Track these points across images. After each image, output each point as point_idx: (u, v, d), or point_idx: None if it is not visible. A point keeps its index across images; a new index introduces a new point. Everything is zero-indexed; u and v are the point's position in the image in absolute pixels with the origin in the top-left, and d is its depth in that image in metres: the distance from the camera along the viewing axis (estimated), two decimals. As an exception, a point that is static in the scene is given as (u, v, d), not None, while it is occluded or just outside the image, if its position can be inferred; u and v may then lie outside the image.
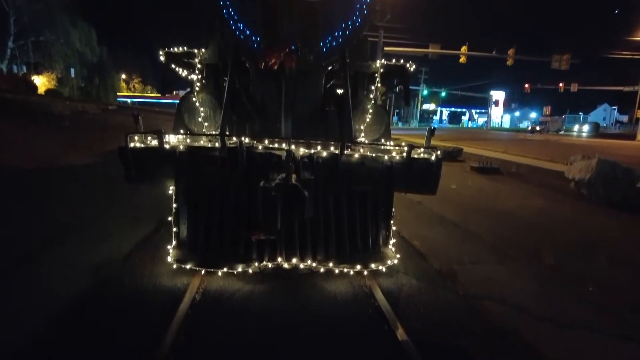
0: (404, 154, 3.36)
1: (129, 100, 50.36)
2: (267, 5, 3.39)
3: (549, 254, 4.41)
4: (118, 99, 44.82)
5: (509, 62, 27.80)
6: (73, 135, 13.19)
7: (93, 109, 20.98)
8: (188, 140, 3.61)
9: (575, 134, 50.94)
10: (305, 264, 3.25)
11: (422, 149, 3.54)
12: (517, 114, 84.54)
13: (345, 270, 3.33)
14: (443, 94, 67.50)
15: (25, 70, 35.91)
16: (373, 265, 3.35)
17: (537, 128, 57.22)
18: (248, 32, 3.58)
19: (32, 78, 33.54)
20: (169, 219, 3.46)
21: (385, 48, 21.68)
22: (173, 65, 4.70)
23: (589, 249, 4.75)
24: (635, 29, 33.78)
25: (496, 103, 70.97)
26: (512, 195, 7.92)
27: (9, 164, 8.52)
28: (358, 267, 3.31)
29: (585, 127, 53.68)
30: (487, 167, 11.05)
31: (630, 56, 36.60)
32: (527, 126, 60.22)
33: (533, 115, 77.32)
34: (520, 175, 10.54)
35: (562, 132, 54.01)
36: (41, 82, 34.67)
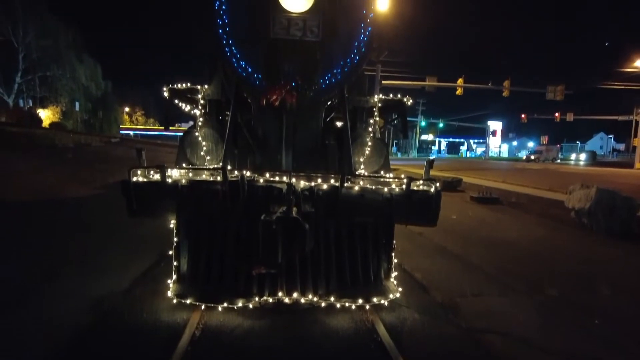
0: (404, 186, 3.40)
1: (131, 132, 51.00)
2: (269, 45, 3.53)
3: (551, 285, 4.38)
4: (121, 132, 45.41)
5: (505, 94, 28.38)
6: (75, 167, 13.30)
7: (96, 141, 21.25)
8: (190, 174, 3.66)
9: (572, 162, 51.16)
10: (307, 298, 3.23)
11: (421, 181, 3.58)
12: (514, 143, 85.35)
13: (347, 304, 3.30)
14: (441, 124, 68.45)
15: (31, 104, 36.62)
16: (375, 299, 3.32)
17: (532, 157, 57.51)
18: (250, 69, 3.71)
19: (38, 111, 34.16)
20: (170, 252, 3.47)
21: (383, 82, 22.18)
22: (176, 101, 4.82)
23: (592, 279, 4.71)
24: (625, 60, 34.68)
25: (494, 133, 71.82)
26: (513, 226, 7.91)
27: (11, 196, 8.56)
28: (360, 301, 3.29)
29: (582, 156, 53.89)
30: (487, 197, 11.07)
31: (622, 86, 37.38)
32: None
33: (531, 144, 78.00)
34: (520, 205, 10.54)
35: (558, 161, 54.11)
36: (46, 115, 35.28)
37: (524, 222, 8.37)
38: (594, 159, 52.00)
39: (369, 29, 3.79)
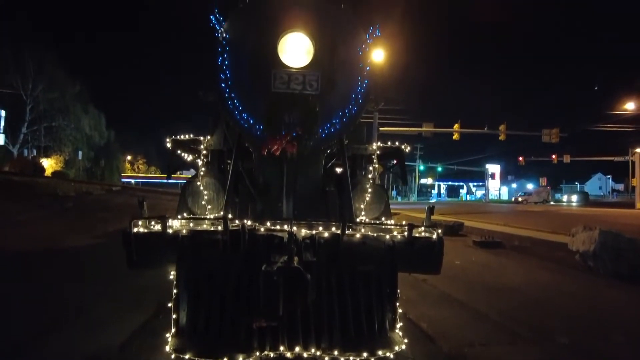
0: (405, 233, 3.39)
1: (132, 181, 51.37)
2: (270, 98, 3.67)
3: (562, 332, 4.24)
4: (122, 180, 45.79)
5: (502, 137, 28.95)
6: (76, 216, 13.30)
7: (97, 190, 21.37)
8: (191, 224, 3.66)
9: (565, 203, 50.89)
10: (309, 352, 3.12)
11: (423, 228, 3.57)
12: (514, 185, 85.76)
13: (352, 358, 3.18)
14: (439, 168, 69.17)
15: (35, 153, 37.23)
16: (380, 352, 3.20)
17: (520, 199, 57.41)
18: (252, 121, 3.82)
19: (41, 160, 34.67)
20: (169, 304, 3.39)
21: (381, 128, 22.75)
22: (179, 151, 4.92)
23: (604, 325, 4.57)
24: (616, 102, 35.70)
25: (492, 176, 72.35)
26: (518, 270, 7.78)
27: (10, 245, 8.50)
28: (364, 354, 3.17)
29: (574, 197, 53.69)
30: (490, 241, 10.98)
31: (615, 128, 38.22)
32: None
33: (530, 186, 78.35)
34: (523, 248, 10.43)
35: (552, 203, 53.76)
36: (49, 164, 35.76)
37: (528, 267, 8.23)
38: (586, 199, 51.82)
39: (366, 81, 3.95)
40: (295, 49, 3.80)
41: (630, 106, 33.29)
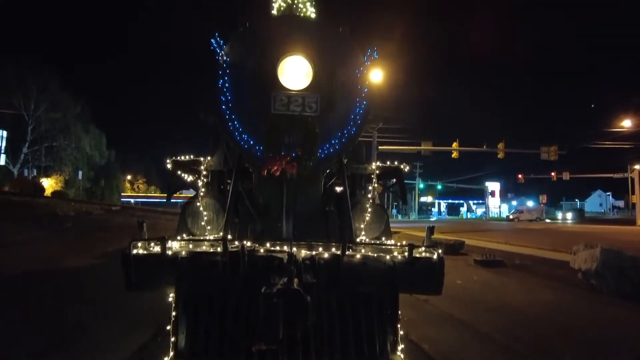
0: (406, 254, 3.38)
1: (132, 200, 51.26)
2: (270, 120, 3.72)
3: (567, 352, 4.18)
4: (122, 199, 45.71)
5: (500, 155, 29.08)
6: (75, 236, 13.23)
7: (97, 209, 21.32)
8: (190, 246, 3.65)
9: (560, 221, 50.45)
10: (310, 375, 3.07)
11: (423, 248, 3.56)
12: (514, 203, 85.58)
13: (353, 381, 3.13)
14: (439, 186, 69.20)
15: (35, 173, 37.29)
16: (381, 375, 3.15)
17: (511, 217, 57.01)
18: (252, 142, 3.87)
19: (41, 180, 34.67)
20: (168, 327, 3.35)
21: (380, 147, 22.90)
22: (179, 172, 4.95)
23: (611, 345, 4.50)
24: (613, 120, 36.00)
25: (492, 194, 72.31)
26: (520, 289, 7.70)
27: (7, 266, 8.42)
28: (366, 377, 3.12)
29: (569, 215, 53.19)
30: (491, 259, 10.90)
31: (613, 145, 38.41)
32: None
33: (530, 203, 78.25)
34: (524, 267, 10.35)
35: (547, 220, 53.14)
36: (49, 184, 35.76)
37: (530, 285, 8.16)
38: (582, 217, 51.35)
39: (364, 102, 4.01)
40: (295, 72, 3.88)
41: (626, 123, 33.58)
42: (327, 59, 3.93)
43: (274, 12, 4.91)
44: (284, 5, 4.79)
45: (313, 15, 4.85)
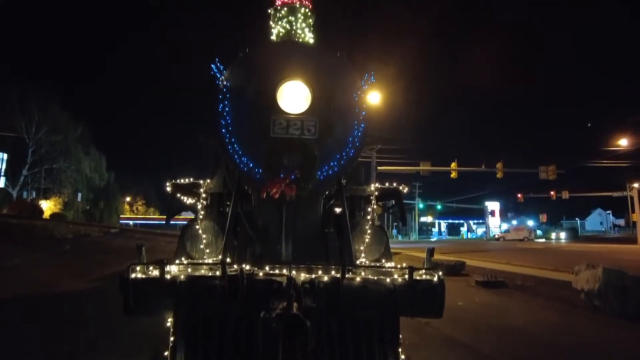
0: (406, 276, 3.36)
1: (131, 222, 51.01)
2: (269, 143, 3.76)
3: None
4: (121, 221, 45.48)
5: (499, 175, 29.16)
6: (73, 259, 13.13)
7: (95, 232, 21.23)
8: (189, 269, 3.63)
9: (553, 240, 49.86)
10: (310, 402, 3.00)
11: (423, 270, 3.54)
12: (514, 222, 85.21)
13: (354, 408, 3.06)
14: (439, 206, 69.05)
15: (34, 195, 37.19)
16: (383, 401, 3.08)
17: (497, 237, 56.45)
18: (251, 165, 3.89)
19: (40, 202, 34.57)
20: (165, 353, 3.29)
21: (379, 168, 22.97)
22: (178, 195, 4.95)
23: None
24: (610, 139, 36.27)
25: (492, 213, 72.06)
26: (523, 311, 7.60)
27: (4, 290, 8.32)
28: (367, 403, 3.05)
29: (562, 234, 52.43)
30: (492, 280, 10.80)
31: (611, 164, 38.59)
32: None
33: (530, 223, 77.93)
34: (527, 287, 10.24)
35: (538, 240, 52.30)
36: (48, 206, 35.62)
37: (533, 307, 8.06)
38: (575, 236, 50.71)
39: (362, 125, 4.07)
40: (294, 96, 3.94)
41: (623, 142, 33.83)
42: (325, 83, 4.00)
43: (273, 37, 5.03)
44: (283, 31, 4.90)
45: (311, 41, 4.97)
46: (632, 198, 46.90)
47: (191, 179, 4.72)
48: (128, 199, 56.21)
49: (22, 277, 9.83)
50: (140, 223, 50.45)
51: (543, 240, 52.21)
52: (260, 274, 3.32)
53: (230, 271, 3.29)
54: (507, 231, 58.73)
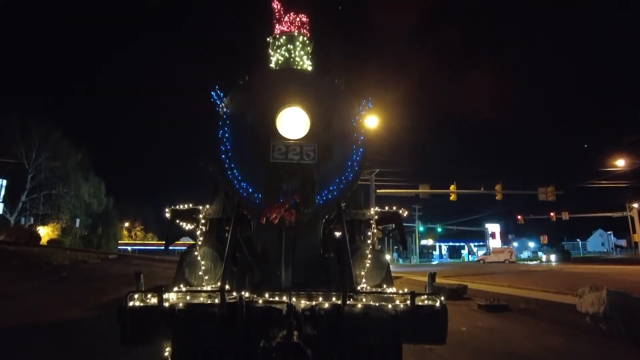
0: (408, 302, 3.31)
1: (129, 248, 50.53)
2: (269, 168, 3.78)
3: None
4: (119, 247, 45.07)
5: (498, 197, 29.17)
6: (69, 286, 12.93)
7: (93, 258, 21.01)
8: (187, 297, 3.58)
9: (544, 262, 48.84)
10: None
11: (425, 295, 3.49)
12: (515, 244, 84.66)
13: None
14: (439, 229, 68.69)
15: (32, 222, 36.95)
16: None
17: (478, 259, 57.01)
18: (251, 190, 3.90)
19: (37, 229, 34.30)
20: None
21: (378, 191, 23.00)
22: (177, 221, 4.94)
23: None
24: (608, 160, 36.47)
25: (493, 235, 71.67)
26: (528, 336, 7.45)
27: (-2, 321, 8.15)
28: None
29: (553, 256, 50.82)
30: (495, 304, 10.63)
31: (610, 184, 38.69)
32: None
33: (531, 244, 77.45)
34: (530, 311, 10.07)
35: (529, 262, 51.40)
36: (45, 232, 35.33)
37: (538, 331, 7.90)
38: (567, 258, 49.71)
39: (361, 149, 4.10)
40: (293, 122, 4.00)
41: (620, 163, 34.01)
42: (323, 109, 4.06)
43: (272, 65, 5.13)
44: (282, 59, 5.01)
45: (310, 68, 5.07)
46: (632, 218, 46.85)
47: (190, 205, 4.71)
48: (126, 224, 55.89)
49: (16, 306, 9.66)
50: (138, 249, 49.96)
51: (533, 262, 50.84)
52: (260, 301, 3.28)
53: (229, 299, 3.24)
54: (487, 254, 59.16)
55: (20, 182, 35.51)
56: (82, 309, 10.14)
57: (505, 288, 14.30)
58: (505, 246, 63.34)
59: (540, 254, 64.67)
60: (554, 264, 43.35)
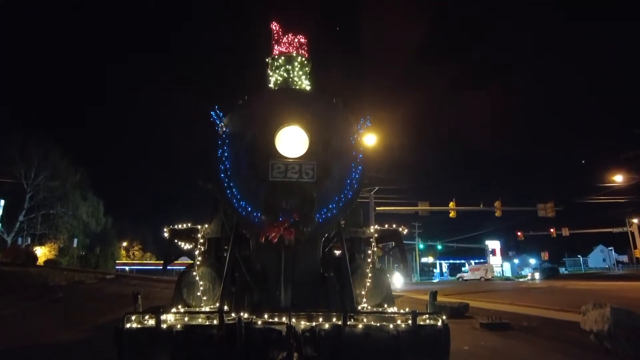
0: (409, 322, 3.27)
1: (127, 268, 50.03)
2: (268, 187, 3.79)
3: None
4: (117, 267, 44.64)
5: (498, 214, 29.12)
6: (65, 307, 12.74)
7: (90, 278, 20.76)
8: (186, 318, 3.53)
9: (529, 279, 48.11)
10: None
11: (427, 315, 3.46)
12: (516, 261, 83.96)
13: None
14: (439, 247, 68.27)
15: (29, 242, 36.64)
16: None
17: (458, 276, 58.24)
18: (250, 208, 3.91)
19: (34, 249, 33.96)
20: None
21: (377, 208, 22.96)
22: (176, 240, 4.91)
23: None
24: (606, 175, 36.58)
25: (493, 252, 71.14)
26: (531, 355, 7.33)
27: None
28: None
29: (537, 275, 49.79)
30: (497, 322, 10.48)
31: (609, 200, 38.71)
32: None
33: (532, 261, 76.78)
34: (533, 329, 9.92)
35: (517, 279, 50.96)
36: (42, 252, 34.98)
37: (542, 350, 7.78)
38: (552, 275, 48.94)
39: (360, 167, 4.13)
40: (292, 141, 4.03)
41: (618, 178, 34.09)
42: (322, 128, 4.11)
43: (271, 85, 5.20)
44: (280, 79, 5.08)
45: (308, 88, 5.14)
46: (632, 234, 46.71)
47: (189, 224, 4.71)
48: (125, 244, 55.48)
49: (10, 328, 9.50)
50: (136, 269, 49.45)
51: (516, 280, 50.09)
52: (259, 322, 3.24)
53: (228, 320, 3.20)
54: (466, 272, 60.71)
55: (18, 202, 35.36)
56: (78, 330, 9.97)
57: (507, 305, 14.12)
58: (482, 264, 64.63)
59: (525, 271, 64.73)
60: (538, 281, 42.79)
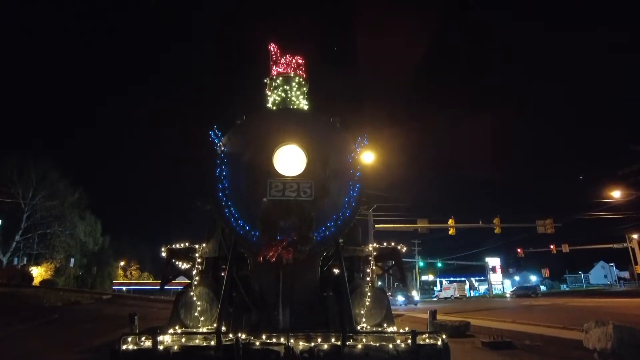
0: (409, 341, 3.24)
1: (124, 288, 49.42)
2: (266, 206, 3.80)
3: None
4: (113, 287, 44.10)
5: (497, 231, 29.03)
6: (61, 329, 12.54)
7: (86, 299, 20.51)
8: (183, 340, 3.48)
9: (508, 298, 47.98)
10: None
11: (426, 334, 3.43)
12: (516, 278, 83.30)
13: None
14: (439, 264, 67.78)
15: (25, 262, 36.25)
16: None
17: (434, 295, 62.56)
18: (248, 227, 3.91)
19: (30, 269, 33.58)
20: None
21: (376, 226, 22.86)
22: (174, 260, 4.89)
23: None
24: (604, 191, 36.59)
25: (493, 269, 70.62)
26: (534, 375, 7.20)
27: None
28: None
29: (518, 292, 50.03)
30: (499, 341, 10.33)
31: (608, 215, 38.62)
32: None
33: (533, 278, 76.20)
34: (535, 348, 9.77)
35: (491, 297, 51.56)
36: (38, 272, 34.59)
37: (545, 370, 7.64)
38: (534, 293, 48.43)
39: (358, 185, 4.15)
40: (290, 160, 4.06)
41: (616, 194, 34.12)
42: (319, 147, 4.14)
43: (269, 105, 5.27)
44: (278, 99, 5.15)
45: (306, 107, 5.20)
46: (632, 249, 46.49)
47: (186, 244, 4.69)
48: (122, 263, 54.93)
49: (3, 352, 9.31)
50: (133, 288, 48.81)
51: (493, 298, 50.09)
52: (257, 343, 3.20)
53: (226, 341, 3.17)
54: (440, 291, 66.68)
55: (15, 222, 35.13)
56: (73, 353, 9.78)
57: (508, 324, 13.95)
58: (454, 283, 68.92)
59: (501, 289, 65.72)
60: (509, 299, 42.66)
